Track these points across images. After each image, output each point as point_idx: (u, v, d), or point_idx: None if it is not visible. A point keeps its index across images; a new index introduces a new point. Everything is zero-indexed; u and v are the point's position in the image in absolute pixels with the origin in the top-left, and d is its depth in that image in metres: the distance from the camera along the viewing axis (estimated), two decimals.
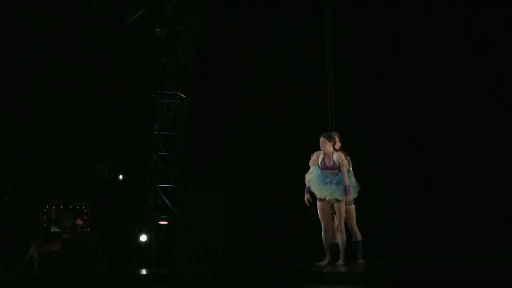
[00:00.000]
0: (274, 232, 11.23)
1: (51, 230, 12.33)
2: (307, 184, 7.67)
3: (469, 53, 9.55)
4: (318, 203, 7.61)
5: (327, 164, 7.64)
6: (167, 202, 12.59)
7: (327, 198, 7.57)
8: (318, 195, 7.62)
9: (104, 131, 12.87)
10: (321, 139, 7.68)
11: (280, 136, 11.56)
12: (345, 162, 7.57)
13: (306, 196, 7.66)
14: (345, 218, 7.66)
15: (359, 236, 7.70)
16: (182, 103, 12.82)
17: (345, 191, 7.51)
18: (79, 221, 12.81)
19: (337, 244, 7.65)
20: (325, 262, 7.54)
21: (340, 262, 7.51)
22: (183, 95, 12.77)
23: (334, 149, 7.68)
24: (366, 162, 10.07)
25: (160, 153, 12.75)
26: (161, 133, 12.77)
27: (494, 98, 9.30)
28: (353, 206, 7.73)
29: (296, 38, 11.51)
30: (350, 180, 7.65)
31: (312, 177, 7.66)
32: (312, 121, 10.63)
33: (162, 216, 12.63)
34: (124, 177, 13.36)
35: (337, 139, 7.77)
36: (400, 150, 10.17)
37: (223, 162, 12.31)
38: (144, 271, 8.64)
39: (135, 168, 13.22)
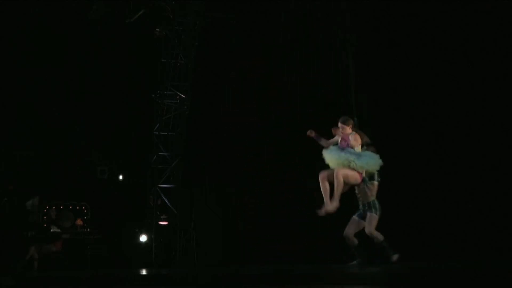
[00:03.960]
0: (275, 232, 11.21)
1: (51, 230, 12.30)
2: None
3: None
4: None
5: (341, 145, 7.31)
6: (167, 202, 12.58)
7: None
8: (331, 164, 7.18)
9: (104, 131, 12.86)
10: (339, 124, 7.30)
11: (281, 136, 11.55)
12: (357, 143, 7.20)
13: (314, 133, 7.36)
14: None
15: (380, 237, 7.37)
16: (182, 103, 12.81)
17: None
18: (79, 221, 12.78)
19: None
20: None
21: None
22: (183, 95, 12.76)
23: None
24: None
25: (160, 153, 12.74)
26: (161, 133, 12.76)
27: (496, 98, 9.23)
28: (376, 215, 7.42)
29: (299, 37, 11.49)
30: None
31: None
32: (313, 122, 10.58)
33: (162, 216, 12.62)
34: (124, 177, 13.35)
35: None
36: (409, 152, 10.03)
37: (223, 162, 12.30)
38: (144, 271, 8.64)
39: (135, 168, 13.21)
